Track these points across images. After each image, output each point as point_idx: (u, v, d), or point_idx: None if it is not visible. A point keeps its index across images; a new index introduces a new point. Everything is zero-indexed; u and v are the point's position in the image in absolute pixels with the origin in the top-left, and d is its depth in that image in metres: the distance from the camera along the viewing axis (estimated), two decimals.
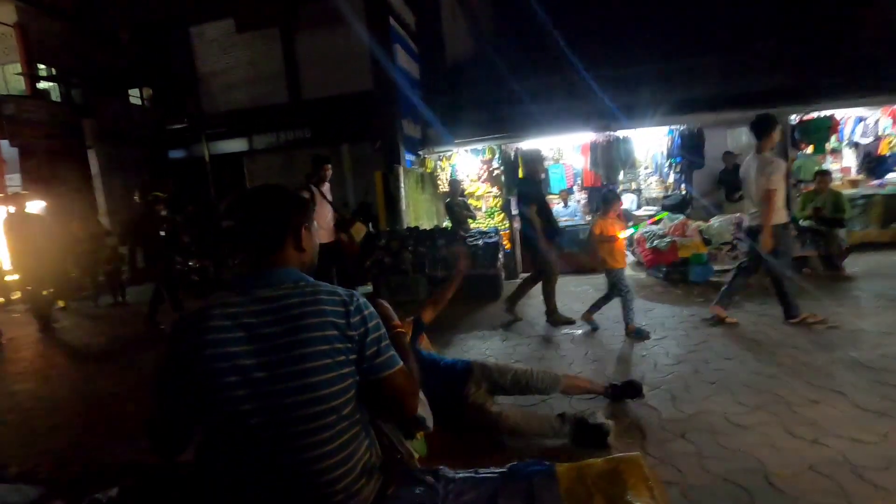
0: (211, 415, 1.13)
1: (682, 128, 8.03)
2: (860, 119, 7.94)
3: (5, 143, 8.69)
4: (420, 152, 8.64)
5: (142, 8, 10.50)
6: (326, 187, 5.22)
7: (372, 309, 1.24)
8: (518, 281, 5.93)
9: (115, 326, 6.46)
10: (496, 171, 8.39)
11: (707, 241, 5.96)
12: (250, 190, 1.32)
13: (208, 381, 1.10)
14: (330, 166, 5.23)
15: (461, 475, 1.45)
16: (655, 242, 6.03)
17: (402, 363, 1.26)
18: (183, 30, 10.94)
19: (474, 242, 6.27)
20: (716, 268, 5.83)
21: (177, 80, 11.26)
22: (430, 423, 1.57)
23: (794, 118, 7.36)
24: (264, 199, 1.28)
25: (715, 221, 6.31)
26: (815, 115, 7.36)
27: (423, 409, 1.56)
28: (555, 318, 4.62)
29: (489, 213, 8.53)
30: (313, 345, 1.12)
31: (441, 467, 1.51)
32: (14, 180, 9.02)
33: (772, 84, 7.48)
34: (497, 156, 8.33)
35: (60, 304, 8.02)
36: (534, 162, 4.93)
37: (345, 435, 1.16)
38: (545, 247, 4.58)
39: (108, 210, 10.02)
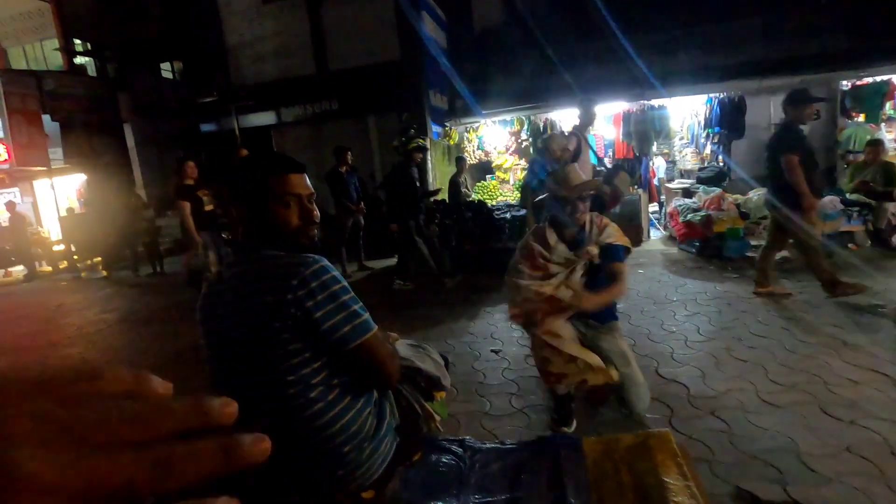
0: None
1: (721, 96, 7.64)
2: None
3: (47, 118, 8.99)
4: (447, 123, 8.52)
5: None
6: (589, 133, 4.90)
7: (328, 277, 1.14)
8: None
9: (155, 296, 6.74)
10: (525, 143, 8.22)
11: (745, 216, 5.73)
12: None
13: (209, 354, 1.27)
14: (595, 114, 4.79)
15: (487, 445, 1.47)
16: (689, 216, 5.84)
17: (373, 330, 1.18)
18: (210, 1, 10.93)
19: (502, 216, 6.21)
20: (753, 242, 5.63)
21: (205, 53, 11.33)
22: (446, 382, 1.58)
23: (845, 84, 6.90)
24: (238, 167, 1.28)
25: (753, 195, 6.04)
26: (869, 80, 6.87)
27: (438, 370, 1.57)
28: None
29: (517, 187, 8.41)
30: (252, 326, 1.14)
31: (467, 437, 1.54)
32: (57, 153, 9.37)
33: (821, 47, 7.00)
34: (526, 127, 8.14)
35: (104, 273, 8.40)
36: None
37: (322, 400, 1.16)
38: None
39: (144, 183, 10.33)
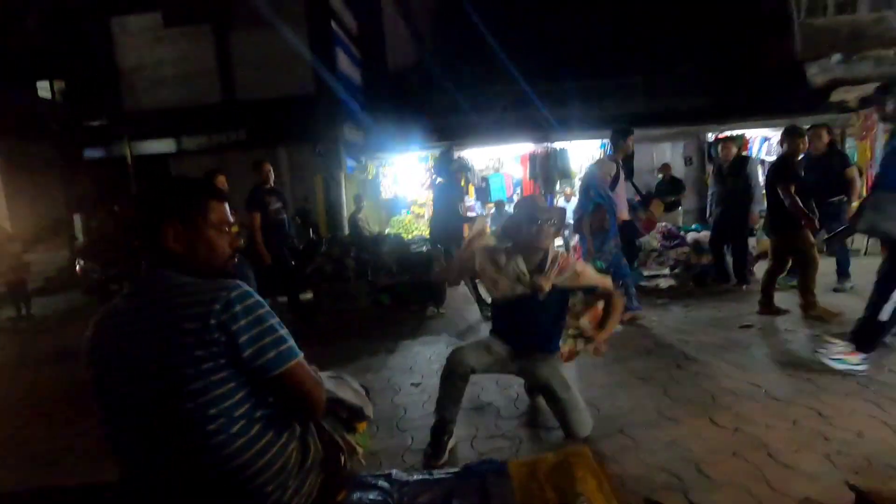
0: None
1: None
2: (765, 139, 8.82)
3: None
4: (362, 158, 8.55)
5: None
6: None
7: (252, 301, 1.09)
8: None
9: (14, 342, 5.81)
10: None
11: (637, 248, 6.33)
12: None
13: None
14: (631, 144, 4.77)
15: (415, 477, 1.44)
16: None
17: (298, 356, 1.14)
18: (102, 20, 10.16)
19: (418, 249, 6.28)
20: (645, 273, 6.21)
21: (94, 74, 10.41)
22: (368, 411, 1.54)
23: (710, 136, 8.05)
24: (144, 193, 1.27)
25: None
26: (728, 133, 8.09)
27: (359, 399, 1.53)
28: None
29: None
30: (169, 357, 1.04)
31: (394, 470, 1.50)
32: None
33: (690, 104, 8.17)
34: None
35: None
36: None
37: (245, 436, 1.08)
38: None
39: (12, 213, 9.04)
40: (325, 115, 7.64)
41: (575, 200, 9.05)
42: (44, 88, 10.53)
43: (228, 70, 9.98)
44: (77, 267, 8.45)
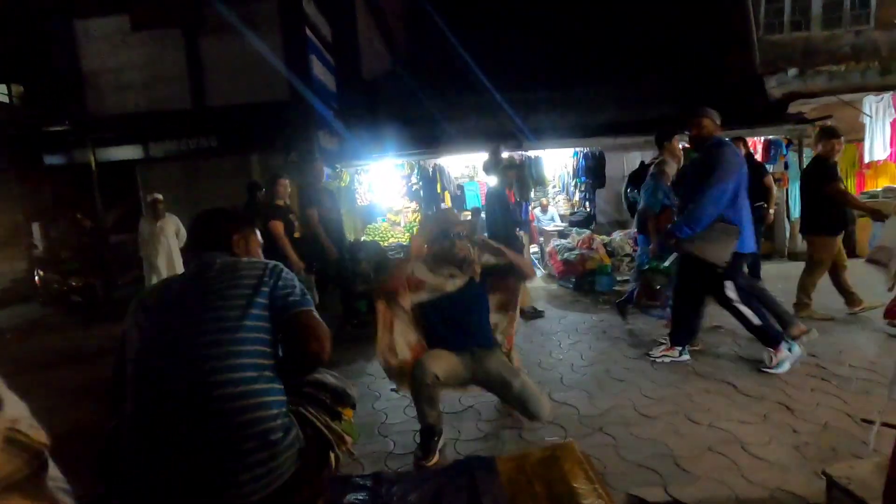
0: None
1: (585, 150, 8.71)
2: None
3: None
4: (337, 165, 8.49)
5: None
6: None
7: (282, 271, 1.50)
8: None
9: None
10: (415, 187, 8.48)
11: (611, 254, 6.48)
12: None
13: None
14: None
15: (404, 476, 1.43)
16: (566, 255, 6.44)
17: (310, 306, 1.47)
18: (65, 23, 9.81)
19: (395, 256, 6.25)
20: (618, 278, 6.35)
21: (55, 78, 10.02)
22: (353, 392, 1.60)
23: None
24: (219, 213, 1.75)
25: (616, 235, 6.89)
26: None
27: (342, 381, 1.58)
28: None
29: (408, 228, 8.57)
30: (231, 304, 1.38)
31: (382, 470, 1.48)
32: None
33: (658, 113, 8.43)
34: (416, 171, 8.42)
35: None
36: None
37: (257, 384, 1.27)
38: None
39: None
40: (298, 121, 7.56)
41: (552, 211, 9.25)
42: (1, 93, 10.07)
43: (199, 75, 9.75)
44: (36, 277, 8.08)
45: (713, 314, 4.55)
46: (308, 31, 7.70)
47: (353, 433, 1.48)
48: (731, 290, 3.40)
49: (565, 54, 10.26)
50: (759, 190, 5.34)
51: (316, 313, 1.45)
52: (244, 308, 1.33)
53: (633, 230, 6.81)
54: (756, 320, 3.37)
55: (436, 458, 2.32)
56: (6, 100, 10.10)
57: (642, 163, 6.96)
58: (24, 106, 10.14)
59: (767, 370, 3.27)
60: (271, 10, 8.10)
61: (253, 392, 1.23)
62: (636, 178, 5.81)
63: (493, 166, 5.42)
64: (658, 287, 4.27)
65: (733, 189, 3.32)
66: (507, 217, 5.12)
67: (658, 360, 3.60)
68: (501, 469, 1.42)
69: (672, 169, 4.60)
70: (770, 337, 3.34)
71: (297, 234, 4.98)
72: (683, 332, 3.64)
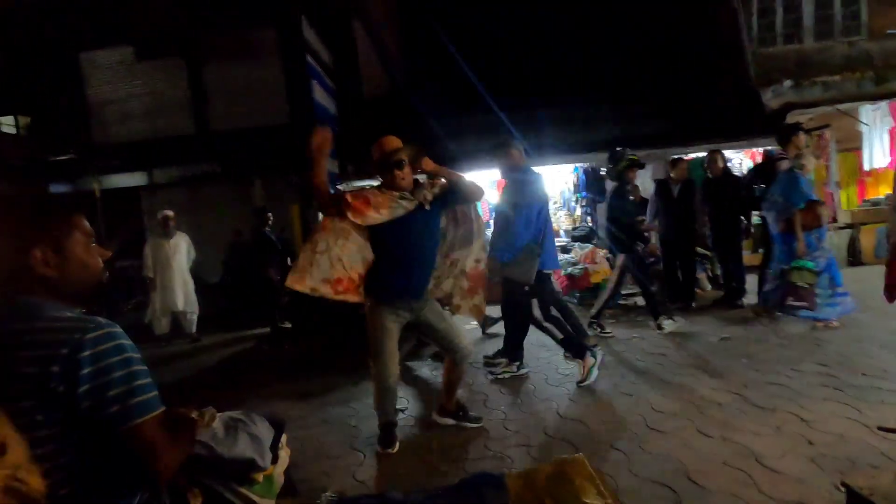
0: None
1: (585, 166, 8.76)
2: (728, 160, 9.20)
3: None
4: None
5: (19, 29, 9.52)
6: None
7: (111, 345, 0.99)
8: None
9: None
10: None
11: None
12: None
13: None
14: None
15: (411, 496, 1.39)
16: (570, 270, 6.41)
17: (147, 414, 1.01)
18: (71, 55, 10.05)
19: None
20: (623, 291, 6.29)
21: (61, 109, 10.22)
22: (263, 461, 1.42)
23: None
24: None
25: None
26: (693, 155, 8.42)
27: (254, 449, 1.41)
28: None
29: None
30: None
31: (389, 492, 1.45)
32: None
33: (654, 128, 8.52)
34: None
35: None
36: None
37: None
38: None
39: None
40: (300, 145, 7.62)
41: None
42: (8, 124, 10.26)
43: (202, 102, 9.93)
44: None
45: (720, 327, 4.52)
46: (308, 57, 7.84)
47: (267, 492, 1.38)
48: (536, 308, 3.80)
49: (564, 72, 10.41)
50: (738, 204, 5.46)
51: (148, 421, 1.00)
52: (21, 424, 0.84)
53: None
54: (559, 334, 3.76)
55: (397, 447, 2.71)
56: (13, 131, 10.28)
57: (769, 156, 6.68)
58: (30, 136, 10.31)
59: (500, 375, 3.78)
60: (272, 37, 8.27)
61: None
62: (761, 172, 5.67)
63: (612, 168, 5.19)
64: (807, 286, 4.04)
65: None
66: (624, 223, 5.04)
67: (500, 376, 3.79)
68: (510, 486, 1.38)
69: (811, 163, 4.51)
70: (516, 350, 3.83)
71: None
72: (517, 346, 3.88)
